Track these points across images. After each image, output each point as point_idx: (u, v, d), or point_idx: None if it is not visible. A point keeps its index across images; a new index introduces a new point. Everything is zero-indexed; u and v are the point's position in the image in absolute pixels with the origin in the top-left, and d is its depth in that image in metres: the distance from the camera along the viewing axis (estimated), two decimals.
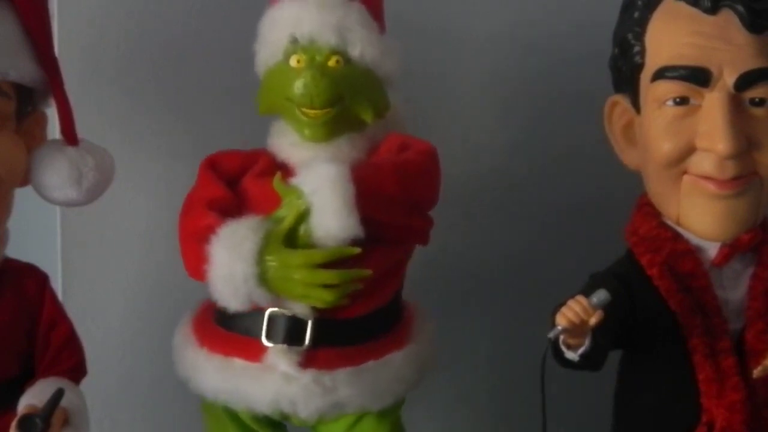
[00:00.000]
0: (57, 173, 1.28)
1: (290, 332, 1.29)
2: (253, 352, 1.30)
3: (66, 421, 1.23)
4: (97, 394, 1.35)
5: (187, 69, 1.58)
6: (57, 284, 1.44)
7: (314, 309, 1.29)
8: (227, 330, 1.33)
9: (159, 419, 1.61)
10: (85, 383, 1.33)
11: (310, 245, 1.27)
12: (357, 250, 1.26)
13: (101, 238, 1.57)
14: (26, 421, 1.19)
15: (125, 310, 1.59)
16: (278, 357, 1.29)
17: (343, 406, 1.31)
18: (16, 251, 1.31)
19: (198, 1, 1.57)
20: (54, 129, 1.32)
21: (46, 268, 1.34)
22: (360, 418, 1.34)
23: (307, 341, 1.29)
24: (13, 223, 1.30)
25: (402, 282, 1.38)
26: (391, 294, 1.36)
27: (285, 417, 1.34)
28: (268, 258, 1.26)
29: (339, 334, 1.31)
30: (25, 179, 1.29)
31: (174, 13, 1.57)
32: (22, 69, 1.26)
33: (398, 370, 1.33)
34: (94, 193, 1.30)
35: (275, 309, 1.29)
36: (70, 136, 1.30)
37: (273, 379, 1.29)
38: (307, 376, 1.29)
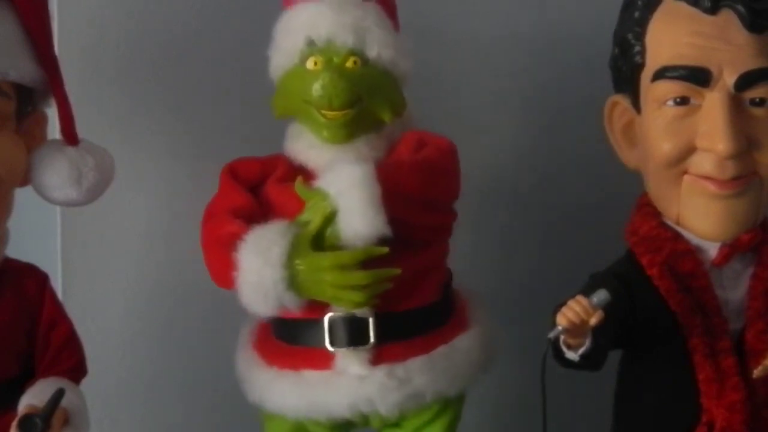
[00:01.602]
0: (57, 173, 1.28)
1: (353, 333, 1.29)
2: (322, 360, 1.30)
3: (66, 421, 1.23)
4: (97, 394, 1.35)
5: (187, 69, 1.58)
6: (57, 284, 1.44)
7: (372, 306, 1.29)
8: (291, 344, 1.33)
9: (159, 419, 1.61)
10: (85, 383, 1.32)
11: (337, 247, 1.27)
12: (385, 250, 1.26)
13: (101, 238, 1.57)
14: (26, 421, 1.19)
15: (125, 310, 1.59)
16: (347, 360, 1.30)
17: (421, 396, 1.31)
18: (16, 251, 1.31)
19: (198, 1, 1.57)
20: (54, 129, 1.32)
21: (46, 268, 1.34)
22: (439, 412, 1.35)
23: (371, 339, 1.29)
24: (13, 223, 1.30)
25: (449, 270, 1.39)
26: (441, 284, 1.36)
27: (365, 418, 1.33)
28: (296, 262, 1.26)
29: (403, 326, 1.31)
30: (25, 179, 1.29)
31: (174, 13, 1.57)
32: (22, 69, 1.26)
33: (468, 353, 1.34)
34: (94, 193, 1.30)
35: (332, 313, 1.29)
36: (70, 136, 1.30)
37: (347, 382, 1.29)
38: (380, 372, 1.29)
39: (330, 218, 1.26)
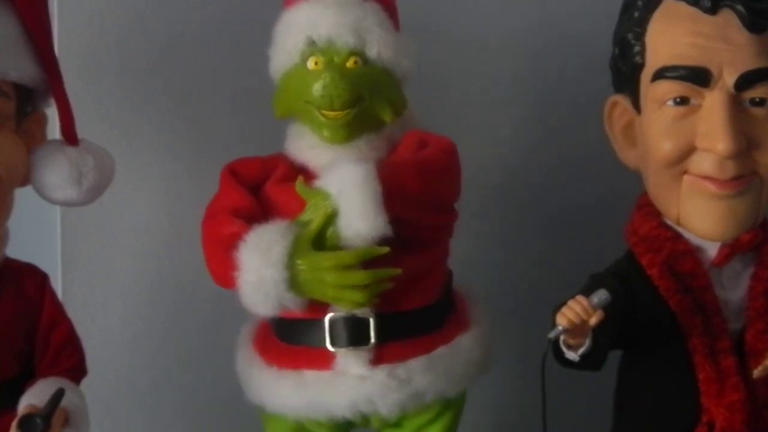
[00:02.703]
0: (57, 173, 1.28)
1: (353, 334, 1.29)
2: (322, 360, 1.30)
3: (66, 421, 1.23)
4: (97, 394, 1.35)
5: (187, 69, 1.58)
6: (57, 284, 1.44)
7: (373, 306, 1.29)
8: (291, 344, 1.33)
9: (159, 419, 1.61)
10: (85, 383, 1.32)
11: (337, 247, 1.27)
12: (386, 249, 1.26)
13: (101, 238, 1.57)
14: (27, 420, 1.19)
15: (125, 310, 1.59)
16: (348, 360, 1.30)
17: (421, 396, 1.31)
18: (16, 251, 1.31)
19: (198, 1, 1.57)
20: (54, 129, 1.32)
21: (46, 268, 1.34)
22: (440, 413, 1.35)
23: (372, 339, 1.29)
24: (13, 223, 1.30)
25: (449, 270, 1.39)
26: (441, 284, 1.36)
27: (366, 419, 1.33)
28: (297, 262, 1.26)
29: (402, 327, 1.31)
30: (25, 179, 1.29)
31: (174, 13, 1.57)
32: (22, 69, 1.26)
33: (468, 353, 1.34)
34: (94, 193, 1.30)
35: (333, 314, 1.29)
36: (70, 136, 1.30)
37: (347, 382, 1.29)
38: (381, 372, 1.29)
39: (331, 218, 1.26)
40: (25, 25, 1.27)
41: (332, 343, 1.30)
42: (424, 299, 1.33)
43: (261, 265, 1.25)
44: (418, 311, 1.32)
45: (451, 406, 1.36)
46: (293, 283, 1.26)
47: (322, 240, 1.27)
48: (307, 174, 1.33)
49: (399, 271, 1.27)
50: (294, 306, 1.27)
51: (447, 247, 1.38)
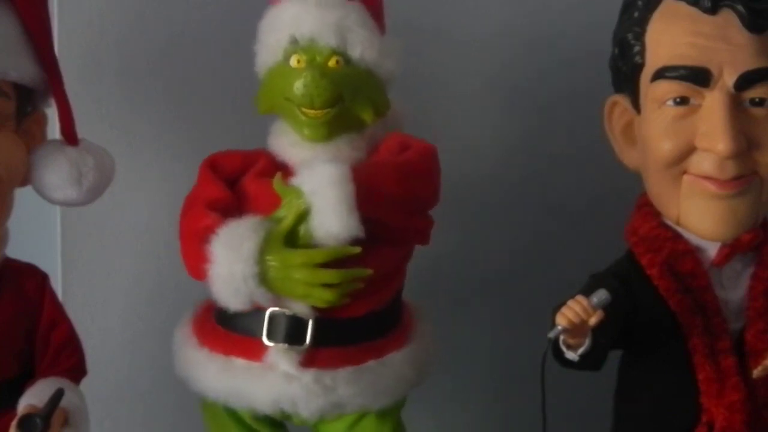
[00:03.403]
0: (57, 173, 1.28)
1: (291, 332, 1.29)
2: (254, 351, 1.30)
3: (66, 421, 1.23)
4: (97, 394, 1.35)
5: (187, 69, 1.58)
6: (57, 284, 1.44)
7: (315, 309, 1.29)
8: (228, 330, 1.33)
9: (159, 419, 1.61)
10: (85, 383, 1.33)
11: (310, 245, 1.27)
12: (357, 249, 1.27)
13: (101, 238, 1.57)
14: (26, 420, 1.19)
15: (125, 310, 1.59)
16: (279, 356, 1.29)
17: (343, 406, 1.31)
18: (16, 251, 1.31)
19: (198, 1, 1.57)
20: (54, 129, 1.32)
21: (46, 268, 1.34)
22: (361, 417, 1.35)
23: (307, 341, 1.29)
24: (13, 223, 1.30)
25: (402, 282, 1.39)
26: (392, 294, 1.36)
27: (286, 416, 1.34)
28: (268, 258, 1.26)
29: (340, 334, 1.31)
30: (25, 179, 1.29)
31: (174, 13, 1.57)
32: (22, 69, 1.26)
33: (398, 370, 1.34)
34: (94, 193, 1.30)
35: (276, 308, 1.29)
36: (70, 136, 1.30)
37: (274, 378, 1.29)
38: (308, 375, 1.29)
39: (303, 216, 1.27)
40: (25, 25, 1.27)
41: (268, 336, 1.29)
42: (369, 306, 1.32)
43: (232, 260, 1.25)
44: (358, 320, 1.32)
45: (369, 415, 1.35)
46: (263, 278, 1.26)
47: (294, 237, 1.27)
48: (286, 170, 1.33)
49: (370, 271, 1.28)
50: (264, 301, 1.28)
51: (410, 254, 1.38)
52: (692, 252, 1.33)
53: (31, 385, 1.26)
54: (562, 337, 1.23)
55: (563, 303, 1.22)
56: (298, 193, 1.27)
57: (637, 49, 1.34)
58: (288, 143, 1.36)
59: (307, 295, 1.28)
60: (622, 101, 1.38)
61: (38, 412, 1.19)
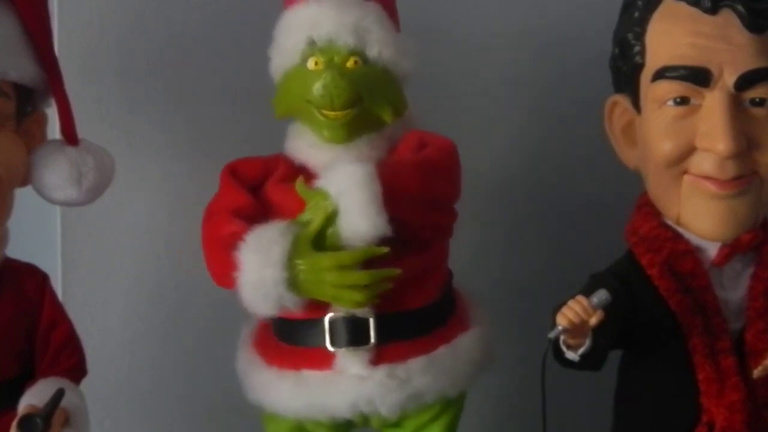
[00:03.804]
0: (57, 173, 1.28)
1: (353, 333, 1.29)
2: (322, 360, 1.30)
3: (66, 421, 1.23)
4: (97, 394, 1.35)
5: (187, 69, 1.58)
6: (57, 284, 1.44)
7: (372, 307, 1.29)
8: (291, 344, 1.33)
9: (159, 419, 1.61)
10: (85, 383, 1.32)
11: (337, 247, 1.27)
12: (385, 249, 1.26)
13: (101, 238, 1.57)
14: (27, 420, 1.19)
15: (125, 310, 1.59)
16: (347, 360, 1.30)
17: (421, 396, 1.31)
18: (16, 251, 1.31)
19: (198, 1, 1.57)
20: (54, 129, 1.32)
21: (46, 268, 1.34)
22: (440, 412, 1.35)
23: (372, 339, 1.29)
24: (13, 223, 1.30)
25: (448, 271, 1.39)
26: (441, 285, 1.36)
27: (366, 419, 1.33)
28: (297, 262, 1.26)
29: (403, 327, 1.31)
30: (25, 179, 1.29)
31: (174, 13, 1.57)
32: (22, 69, 1.26)
33: (469, 353, 1.34)
34: (94, 193, 1.30)
35: (333, 314, 1.29)
36: (70, 136, 1.30)
37: (347, 382, 1.29)
38: (380, 372, 1.29)
39: (331, 218, 1.26)
40: (25, 25, 1.27)
41: (332, 343, 1.30)
42: (424, 299, 1.33)
43: (261, 265, 1.25)
44: (418, 311, 1.32)
45: (452, 406, 1.36)
46: (293, 283, 1.26)
47: (322, 240, 1.27)
48: (307, 174, 1.33)
49: (399, 271, 1.27)
50: (294, 306, 1.27)
51: (447, 247, 1.38)
52: (692, 252, 1.33)
53: (31, 385, 1.26)
54: (562, 337, 1.23)
55: (563, 303, 1.22)
56: (324, 195, 1.26)
57: (637, 49, 1.34)
58: (307, 146, 1.35)
59: (337, 298, 1.27)
60: (623, 101, 1.38)
61: (39, 412, 1.19)
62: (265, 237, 1.26)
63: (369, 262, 1.27)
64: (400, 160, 1.32)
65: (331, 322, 1.30)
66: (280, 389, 1.32)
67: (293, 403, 1.31)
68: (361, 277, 1.26)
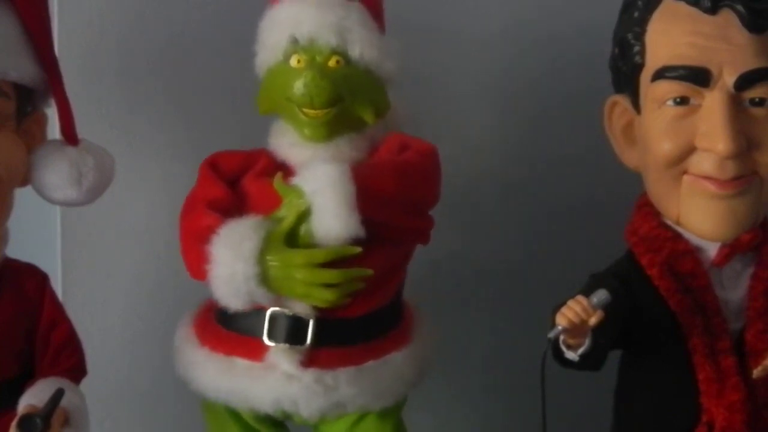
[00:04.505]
0: (57, 173, 1.28)
1: (292, 331, 1.29)
2: (255, 351, 1.30)
3: (66, 421, 1.23)
4: (97, 394, 1.35)
5: (187, 69, 1.58)
6: (57, 284, 1.44)
7: (315, 308, 1.29)
8: (229, 329, 1.33)
9: (159, 419, 1.61)
10: (85, 383, 1.33)
11: (310, 245, 1.28)
12: (358, 249, 1.27)
13: (101, 238, 1.57)
14: (26, 420, 1.19)
15: (125, 310, 1.59)
16: (280, 356, 1.29)
17: (344, 406, 1.31)
18: (16, 251, 1.31)
19: (198, 1, 1.57)
20: (54, 129, 1.32)
21: (46, 268, 1.34)
22: (361, 417, 1.35)
23: (308, 341, 1.29)
24: (13, 223, 1.30)
25: (403, 282, 1.39)
26: (392, 293, 1.36)
27: (287, 416, 1.34)
28: (269, 258, 1.26)
29: (340, 334, 1.31)
30: (25, 179, 1.29)
31: (174, 13, 1.57)
32: (22, 69, 1.26)
33: (399, 370, 1.34)
34: (94, 193, 1.30)
35: (277, 308, 1.29)
36: (70, 136, 1.30)
37: (275, 378, 1.29)
38: (309, 375, 1.29)
39: (304, 216, 1.27)
40: (25, 25, 1.27)
41: (269, 337, 1.30)
42: (371, 306, 1.33)
43: (232, 260, 1.26)
44: (359, 319, 1.32)
45: (370, 414, 1.35)
46: (264, 278, 1.26)
47: (295, 238, 1.28)
48: (287, 170, 1.33)
49: (371, 271, 1.28)
50: (264, 301, 1.28)
51: (411, 254, 1.38)
52: (692, 252, 1.33)
53: (31, 385, 1.26)
54: (562, 337, 1.23)
55: (563, 303, 1.22)
56: (298, 192, 1.27)
57: (637, 49, 1.34)
58: (288, 143, 1.36)
59: (307, 295, 1.28)
60: (622, 101, 1.38)
61: (38, 412, 1.19)
62: (237, 231, 1.27)
63: (341, 261, 1.27)
64: (379, 161, 1.33)
65: (272, 316, 1.29)
66: (208, 371, 1.32)
67: (218, 387, 1.32)
68: (332, 275, 1.27)
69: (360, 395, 1.31)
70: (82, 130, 1.32)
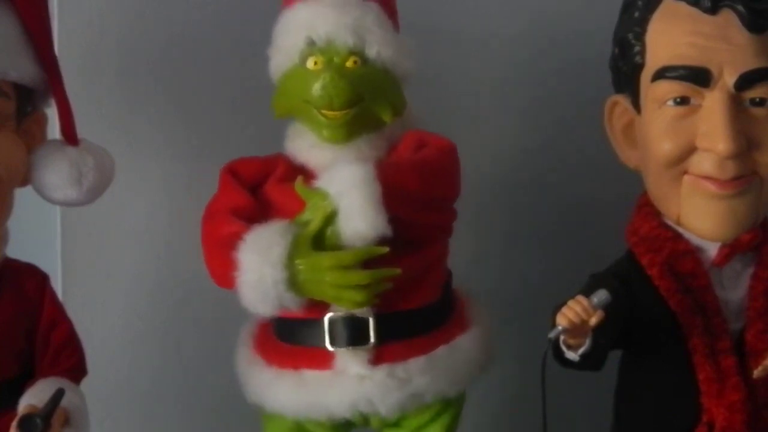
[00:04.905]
0: (57, 173, 1.28)
1: (353, 333, 1.29)
2: (322, 360, 1.30)
3: (66, 421, 1.23)
4: (97, 394, 1.35)
5: (187, 69, 1.58)
6: (57, 284, 1.44)
7: (372, 306, 1.29)
8: (291, 344, 1.33)
9: (159, 419, 1.61)
10: (85, 383, 1.32)
11: (337, 247, 1.27)
12: (385, 249, 1.26)
13: (101, 238, 1.57)
14: (26, 420, 1.19)
15: (125, 310, 1.59)
16: (347, 360, 1.30)
17: (421, 396, 1.31)
18: (16, 251, 1.31)
19: (198, 1, 1.57)
20: (54, 129, 1.32)
21: (46, 268, 1.34)
22: (440, 412, 1.35)
23: (372, 339, 1.29)
24: (13, 223, 1.30)
25: (446, 271, 1.39)
26: (440, 284, 1.36)
27: (365, 419, 1.33)
28: (297, 262, 1.26)
29: (402, 327, 1.31)
30: (25, 179, 1.29)
31: (174, 13, 1.57)
32: (22, 69, 1.26)
33: (467, 353, 1.35)
34: (94, 193, 1.30)
35: (332, 313, 1.29)
36: (70, 136, 1.30)
37: (347, 382, 1.29)
38: (380, 372, 1.29)
39: (330, 218, 1.26)
40: (25, 25, 1.27)
41: (332, 343, 1.30)
42: (424, 299, 1.33)
43: (260, 265, 1.25)
44: (417, 311, 1.32)
45: (451, 406, 1.36)
46: (292, 282, 1.26)
47: (321, 240, 1.27)
48: (306, 174, 1.33)
49: (399, 271, 1.27)
50: (293, 306, 1.27)
51: (446, 247, 1.38)
52: (692, 252, 1.33)
53: (31, 385, 1.26)
54: (562, 337, 1.23)
55: (563, 303, 1.22)
56: (323, 195, 1.27)
57: (637, 49, 1.34)
58: (306, 146, 1.35)
59: (338, 298, 1.27)
60: (623, 101, 1.38)
61: (38, 412, 1.19)
62: (264, 237, 1.26)
63: (368, 262, 1.27)
64: (400, 159, 1.33)
65: (330, 322, 1.29)
66: (280, 389, 1.32)
67: (292, 403, 1.31)
68: (361, 276, 1.26)
69: (434, 382, 1.31)
70: (82, 130, 1.32)
